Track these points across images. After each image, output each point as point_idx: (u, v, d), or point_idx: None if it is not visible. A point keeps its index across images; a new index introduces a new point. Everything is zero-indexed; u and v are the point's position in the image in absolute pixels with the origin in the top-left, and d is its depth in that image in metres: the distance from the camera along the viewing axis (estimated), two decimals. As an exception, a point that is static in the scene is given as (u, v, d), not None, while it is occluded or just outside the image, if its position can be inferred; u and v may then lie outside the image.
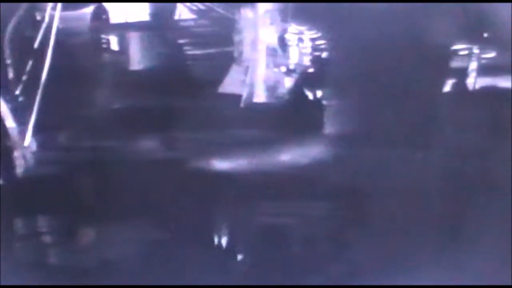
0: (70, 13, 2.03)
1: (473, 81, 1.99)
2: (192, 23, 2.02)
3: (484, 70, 1.98)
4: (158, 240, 2.00)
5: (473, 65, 1.99)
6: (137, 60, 2.04)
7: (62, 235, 2.01)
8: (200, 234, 1.99)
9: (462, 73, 2.00)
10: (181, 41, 2.02)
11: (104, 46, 2.05)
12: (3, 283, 1.91)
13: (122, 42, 2.05)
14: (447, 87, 1.99)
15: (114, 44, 2.05)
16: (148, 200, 2.00)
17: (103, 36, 2.04)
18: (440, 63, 1.98)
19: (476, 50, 1.99)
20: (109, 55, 2.05)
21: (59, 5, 2.01)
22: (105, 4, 2.03)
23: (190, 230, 1.99)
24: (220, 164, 1.98)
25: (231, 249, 1.99)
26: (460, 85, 2.00)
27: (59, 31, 2.00)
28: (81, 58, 2.03)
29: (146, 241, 2.01)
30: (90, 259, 2.02)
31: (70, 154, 2.01)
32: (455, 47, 1.99)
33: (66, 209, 1.99)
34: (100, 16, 2.04)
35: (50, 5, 2.01)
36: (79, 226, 2.00)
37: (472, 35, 1.98)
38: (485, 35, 1.99)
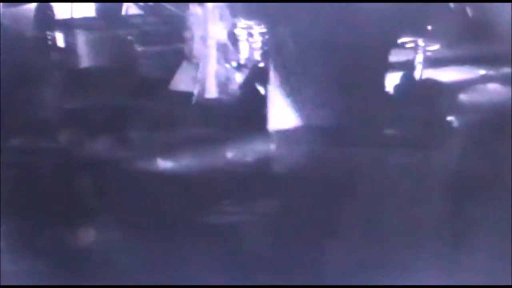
0: (13, 10, 1.97)
1: (419, 74, 2.03)
2: (140, 19, 2.00)
3: (429, 62, 2.02)
4: (108, 239, 1.98)
5: (419, 58, 2.03)
6: (83, 58, 2.00)
7: (14, 235, 1.97)
8: (151, 232, 1.97)
9: (407, 66, 2.03)
10: (129, 38, 1.99)
11: (49, 43, 2.00)
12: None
13: (68, 39, 2.01)
14: (393, 80, 2.03)
15: (60, 41, 2.00)
16: (98, 199, 1.97)
17: (48, 32, 2.00)
18: (387, 57, 2.01)
19: (421, 43, 2.02)
20: (55, 53, 2.01)
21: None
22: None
23: (141, 229, 1.97)
24: (172, 162, 1.97)
25: (182, 246, 1.97)
26: (406, 78, 2.03)
27: (1, 28, 1.94)
28: (24, 56, 1.98)
29: (95, 240, 1.99)
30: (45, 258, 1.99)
31: (15, 155, 1.96)
32: (401, 40, 2.02)
33: (21, 210, 1.95)
34: (44, 12, 1.99)
35: (-10, 1, 1.95)
36: (36, 227, 1.96)
37: (418, 29, 2.01)
38: (430, 28, 2.03)
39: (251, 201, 1.95)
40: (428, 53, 2.02)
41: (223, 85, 1.97)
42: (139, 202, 1.96)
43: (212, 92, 1.96)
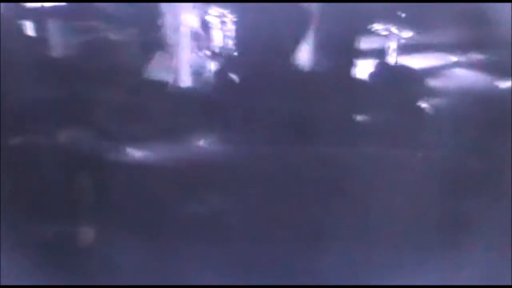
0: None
1: (393, 61, 2.03)
2: (111, 7, 1.95)
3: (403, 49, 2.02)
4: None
5: (393, 45, 2.03)
6: (52, 47, 1.95)
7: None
8: (127, 227, 1.95)
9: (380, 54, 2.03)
10: (100, 26, 1.95)
11: (18, 31, 1.95)
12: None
13: (36, 28, 1.95)
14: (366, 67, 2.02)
15: (28, 30, 1.95)
16: (71, 195, 1.94)
17: (16, 20, 1.94)
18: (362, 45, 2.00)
19: (394, 30, 2.02)
20: (23, 41, 1.95)
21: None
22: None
23: (117, 224, 1.95)
24: (147, 153, 1.95)
25: (161, 240, 1.95)
26: (380, 65, 2.03)
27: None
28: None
29: (70, 237, 1.96)
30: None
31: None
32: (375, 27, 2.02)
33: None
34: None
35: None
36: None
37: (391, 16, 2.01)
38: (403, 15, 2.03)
39: (229, 195, 1.94)
40: (402, 40, 2.02)
41: (197, 73, 1.94)
42: (112, 197, 1.94)
43: (186, 81, 1.94)
